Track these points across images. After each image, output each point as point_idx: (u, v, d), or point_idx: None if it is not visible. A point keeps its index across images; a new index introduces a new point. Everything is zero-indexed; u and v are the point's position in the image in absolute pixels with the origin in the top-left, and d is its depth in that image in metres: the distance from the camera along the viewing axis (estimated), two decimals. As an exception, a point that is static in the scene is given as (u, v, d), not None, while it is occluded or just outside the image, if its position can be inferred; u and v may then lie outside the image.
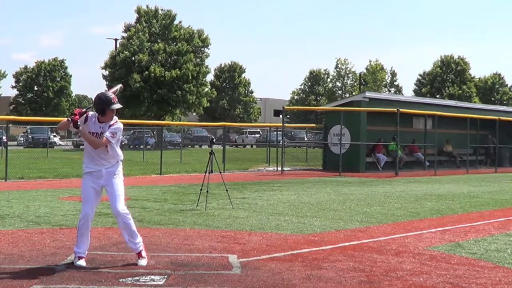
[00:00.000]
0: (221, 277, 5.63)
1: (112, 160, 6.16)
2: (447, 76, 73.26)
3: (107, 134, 6.00)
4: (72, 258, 6.16)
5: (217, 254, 6.70)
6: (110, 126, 6.06)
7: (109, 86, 49.84)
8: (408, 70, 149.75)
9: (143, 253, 6.19)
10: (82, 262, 5.99)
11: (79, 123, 5.89)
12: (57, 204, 11.11)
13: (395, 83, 78.56)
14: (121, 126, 6.21)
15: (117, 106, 6.04)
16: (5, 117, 26.02)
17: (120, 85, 6.70)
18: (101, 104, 6.00)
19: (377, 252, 6.98)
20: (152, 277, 5.60)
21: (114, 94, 6.19)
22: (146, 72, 47.68)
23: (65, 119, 6.06)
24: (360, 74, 72.64)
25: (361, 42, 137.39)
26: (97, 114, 6.07)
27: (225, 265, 6.16)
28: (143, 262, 6.10)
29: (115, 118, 6.15)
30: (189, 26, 52.92)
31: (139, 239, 6.20)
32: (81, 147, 39.70)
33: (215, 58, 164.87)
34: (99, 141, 6.00)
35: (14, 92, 70.43)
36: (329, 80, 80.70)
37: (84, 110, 6.06)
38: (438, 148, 25.25)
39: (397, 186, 16.76)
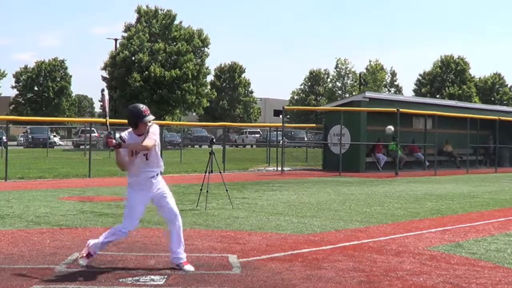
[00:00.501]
0: (221, 277, 5.63)
1: (154, 169, 6.02)
2: (447, 76, 73.28)
3: (149, 135, 5.84)
4: (72, 258, 6.14)
5: (217, 254, 6.70)
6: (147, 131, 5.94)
7: (109, 86, 50.05)
8: (408, 70, 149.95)
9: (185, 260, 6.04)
10: (85, 262, 5.95)
11: (115, 141, 5.72)
12: (57, 204, 11.11)
13: (395, 83, 78.66)
14: (158, 128, 6.07)
15: (150, 118, 5.89)
16: (5, 117, 26.00)
17: (104, 92, 6.31)
18: (133, 117, 5.88)
19: (377, 252, 6.98)
20: (152, 277, 5.60)
21: (109, 102, 6.12)
22: (146, 72, 47.68)
23: (114, 141, 5.74)
24: (360, 74, 72.64)
25: (361, 42, 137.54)
26: (131, 128, 5.95)
27: (225, 265, 6.16)
28: (190, 267, 5.93)
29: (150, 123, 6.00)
30: (189, 26, 52.99)
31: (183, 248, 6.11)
32: (82, 147, 39.76)
33: (215, 58, 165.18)
34: (144, 144, 5.80)
35: (14, 92, 70.53)
36: (329, 80, 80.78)
37: (108, 132, 5.97)
38: (438, 148, 25.25)
39: (397, 186, 16.76)
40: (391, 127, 21.35)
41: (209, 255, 6.67)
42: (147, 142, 5.82)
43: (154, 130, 5.93)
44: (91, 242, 6.03)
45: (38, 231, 8.08)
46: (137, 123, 5.86)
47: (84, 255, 5.96)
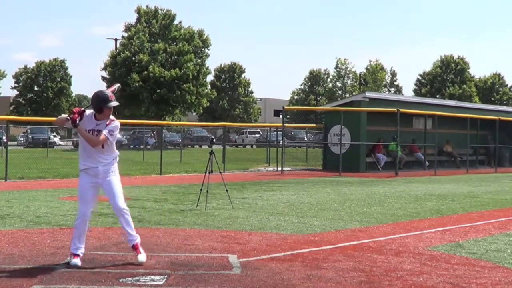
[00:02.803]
0: (221, 277, 5.63)
1: (108, 157, 6.18)
2: (447, 76, 73.27)
3: (105, 132, 6.04)
4: (70, 258, 6.15)
5: (217, 254, 6.70)
6: (107, 124, 6.09)
7: (109, 86, 50.04)
8: (408, 70, 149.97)
9: (140, 248, 6.21)
10: (77, 261, 5.98)
11: (77, 121, 5.92)
12: (57, 204, 11.11)
13: (395, 83, 78.65)
14: (118, 124, 6.25)
15: (114, 103, 6.09)
16: (5, 117, 25.99)
17: (118, 85, 6.71)
18: (98, 101, 6.04)
19: (377, 252, 6.98)
20: (152, 277, 5.60)
21: (113, 93, 6.22)
22: (145, 72, 47.66)
23: (64, 115, 6.08)
24: (360, 74, 72.63)
25: (361, 42, 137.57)
26: (94, 111, 6.09)
27: (225, 265, 6.16)
28: (142, 257, 6.13)
29: (112, 116, 6.18)
30: (189, 26, 53.00)
31: (135, 233, 6.28)
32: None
33: (215, 58, 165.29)
34: (96, 139, 6.03)
35: (14, 92, 70.49)
36: (329, 80, 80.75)
37: (82, 109, 6.08)
38: (438, 148, 25.25)
39: (397, 186, 16.75)
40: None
41: (209, 255, 6.67)
42: (97, 139, 6.01)
43: (113, 127, 6.11)
44: (71, 247, 6.15)
45: (38, 231, 8.08)
46: (102, 107, 6.04)
47: (72, 257, 6.06)
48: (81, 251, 6.09)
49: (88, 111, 6.13)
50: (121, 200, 6.15)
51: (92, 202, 6.21)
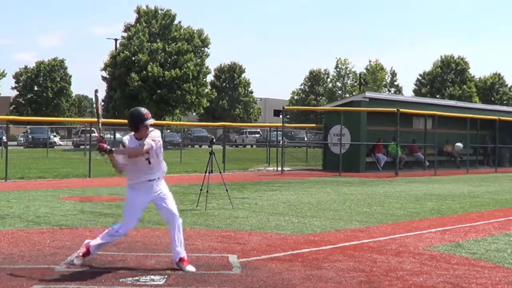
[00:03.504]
0: (221, 277, 5.63)
1: (156, 172, 6.04)
2: (447, 76, 73.27)
3: (147, 139, 5.84)
4: (72, 258, 6.14)
5: (217, 254, 6.70)
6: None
7: (109, 87, 50.04)
8: (408, 70, 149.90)
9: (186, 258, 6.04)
10: (81, 261, 5.96)
11: (107, 146, 5.77)
12: (57, 204, 11.11)
13: (395, 83, 78.62)
14: (159, 132, 6.09)
15: (151, 121, 5.93)
16: (5, 117, 26.01)
17: (97, 93, 6.25)
18: (134, 121, 5.92)
19: (377, 252, 6.98)
20: (152, 277, 5.60)
21: (101, 105, 6.12)
22: (144, 72, 47.63)
23: (99, 157, 5.92)
24: (360, 74, 72.62)
25: (361, 42, 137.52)
26: (132, 132, 5.98)
27: (225, 265, 6.16)
28: (191, 268, 5.92)
29: (152, 128, 6.02)
30: (189, 26, 52.97)
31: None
32: (82, 147, 39.73)
33: (215, 58, 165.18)
34: (139, 149, 5.83)
35: (14, 92, 70.48)
36: (329, 80, 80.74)
37: (100, 135, 5.96)
38: (438, 148, 25.25)
39: (397, 186, 16.76)
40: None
41: (209, 255, 6.67)
42: (140, 148, 5.83)
43: (154, 135, 5.94)
44: (91, 242, 6.04)
45: (38, 231, 8.08)
46: (138, 125, 5.89)
47: (81, 254, 6.00)
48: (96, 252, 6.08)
49: (125, 138, 6.03)
50: (176, 209, 6.11)
51: (138, 218, 6.13)
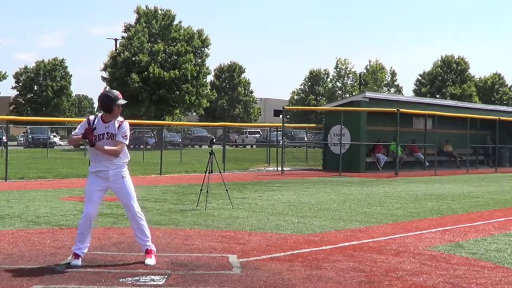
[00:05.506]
0: (221, 277, 5.62)
1: (119, 161, 6.16)
2: (447, 76, 73.25)
3: (121, 139, 6.04)
4: (71, 258, 6.15)
5: (217, 254, 6.70)
6: (118, 127, 6.06)
7: (109, 87, 49.98)
8: (408, 70, 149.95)
9: (153, 252, 6.23)
10: (78, 262, 5.97)
11: (95, 140, 5.93)
12: (57, 204, 11.11)
13: (395, 83, 78.59)
14: (128, 124, 6.21)
15: (123, 101, 6.09)
16: (5, 117, 26.00)
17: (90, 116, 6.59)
18: (108, 101, 6.02)
19: (377, 252, 6.98)
20: (152, 277, 5.60)
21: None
22: (145, 73, 47.63)
23: (77, 136, 6.04)
24: (360, 74, 72.62)
25: (361, 42, 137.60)
26: (100, 114, 6.07)
27: (225, 265, 6.16)
28: (150, 261, 6.10)
29: (121, 117, 6.15)
30: (189, 26, 52.92)
31: (149, 237, 6.28)
32: (82, 147, 39.72)
33: (215, 58, 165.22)
34: (116, 150, 6.02)
35: (14, 92, 70.48)
36: (329, 80, 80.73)
37: (94, 127, 6.02)
38: (438, 148, 25.25)
39: (397, 186, 16.76)
40: None
41: (209, 255, 6.67)
42: (116, 150, 6.02)
43: (125, 129, 6.10)
44: (73, 247, 6.16)
45: (38, 231, 8.08)
46: (112, 106, 6.01)
47: (73, 257, 6.06)
48: (82, 251, 6.08)
49: (92, 117, 6.11)
50: (135, 205, 6.20)
51: (97, 204, 6.20)
